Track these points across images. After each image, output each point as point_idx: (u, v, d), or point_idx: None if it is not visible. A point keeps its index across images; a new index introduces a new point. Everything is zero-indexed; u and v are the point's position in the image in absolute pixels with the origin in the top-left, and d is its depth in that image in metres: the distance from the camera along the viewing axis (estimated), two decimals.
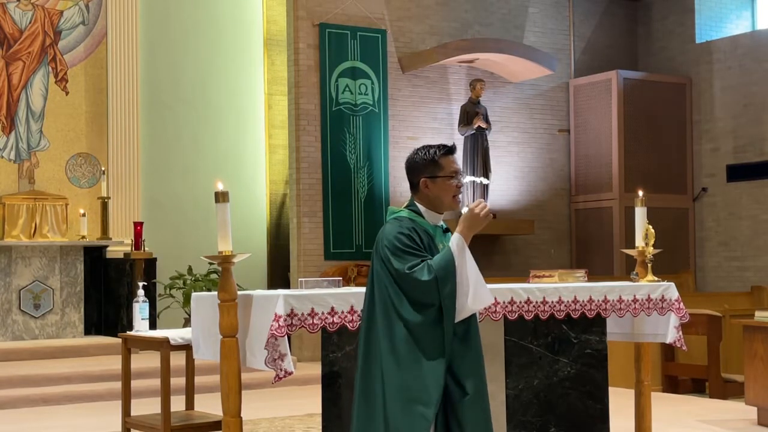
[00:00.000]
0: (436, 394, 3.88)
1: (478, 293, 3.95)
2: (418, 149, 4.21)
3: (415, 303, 3.93)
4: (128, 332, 6.12)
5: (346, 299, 4.87)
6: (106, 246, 12.10)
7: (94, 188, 12.36)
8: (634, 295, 5.91)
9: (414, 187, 4.17)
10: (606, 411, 5.84)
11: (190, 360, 5.96)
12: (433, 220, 4.17)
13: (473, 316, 4.04)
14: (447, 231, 4.22)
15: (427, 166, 4.14)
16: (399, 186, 12.88)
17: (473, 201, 12.79)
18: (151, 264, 11.76)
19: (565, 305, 5.63)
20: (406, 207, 4.18)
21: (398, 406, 3.89)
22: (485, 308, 5.33)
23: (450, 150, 4.19)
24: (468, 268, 3.97)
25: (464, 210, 14.11)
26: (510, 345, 5.55)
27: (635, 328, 6.19)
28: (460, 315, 3.95)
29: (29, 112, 12.14)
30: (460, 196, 4.21)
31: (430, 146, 4.19)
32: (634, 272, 6.21)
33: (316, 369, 7.32)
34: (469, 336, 4.01)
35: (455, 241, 3.98)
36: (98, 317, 12.11)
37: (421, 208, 4.16)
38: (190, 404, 6.11)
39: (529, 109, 14.08)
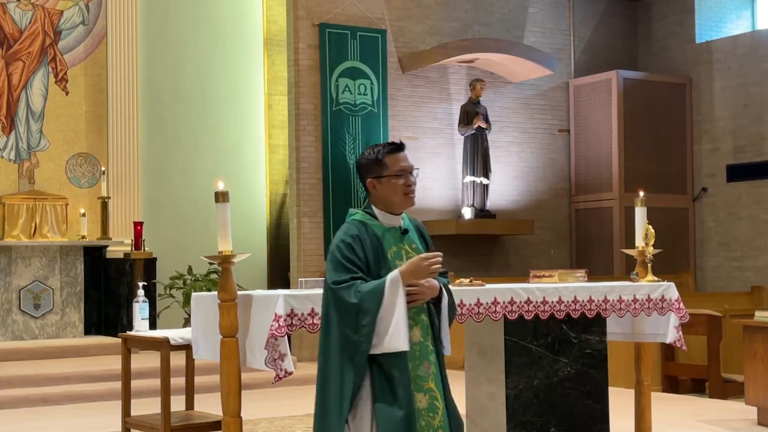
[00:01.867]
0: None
1: (395, 335, 3.81)
2: (366, 149, 4.10)
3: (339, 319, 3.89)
4: (128, 332, 6.12)
5: None
6: (106, 246, 12.10)
7: (94, 188, 12.35)
8: (634, 295, 5.90)
9: (365, 188, 4.07)
10: (606, 411, 5.84)
11: (190, 360, 5.95)
12: (389, 221, 4.05)
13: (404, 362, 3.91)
14: (406, 232, 4.07)
15: (372, 166, 4.03)
16: None
17: (472, 202, 12.92)
18: (151, 264, 11.75)
19: (565, 305, 5.63)
20: (363, 209, 4.09)
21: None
22: (485, 308, 5.34)
23: (396, 148, 4.05)
24: (396, 307, 3.82)
25: (465, 211, 13.91)
26: (510, 345, 5.55)
27: (635, 328, 6.19)
28: (373, 350, 3.84)
29: (29, 112, 12.14)
30: (413, 195, 4.06)
31: (377, 145, 4.07)
32: (634, 272, 6.21)
33: (315, 369, 7.31)
34: (393, 377, 3.88)
35: (391, 277, 3.84)
36: (98, 317, 12.11)
37: (375, 209, 4.05)
38: (190, 404, 6.11)
39: (529, 109, 14.08)
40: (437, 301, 4.04)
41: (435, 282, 4.00)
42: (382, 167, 4.02)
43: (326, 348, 3.93)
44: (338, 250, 3.92)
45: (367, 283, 3.87)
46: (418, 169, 4.17)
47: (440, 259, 3.92)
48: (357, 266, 3.90)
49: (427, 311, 4.03)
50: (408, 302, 3.93)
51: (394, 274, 3.85)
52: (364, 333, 3.82)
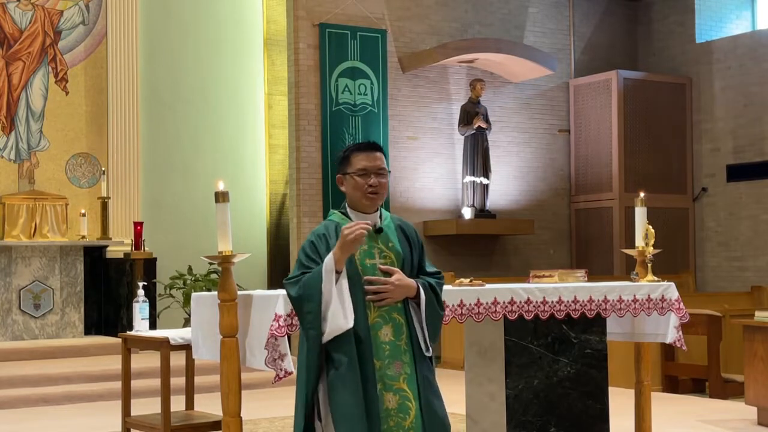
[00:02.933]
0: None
1: (335, 314, 3.81)
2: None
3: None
4: (128, 332, 6.11)
5: None
6: (106, 246, 12.10)
7: (94, 188, 12.35)
8: (634, 295, 5.90)
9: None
10: (606, 411, 5.84)
11: (190, 360, 5.95)
12: (362, 220, 4.03)
13: (364, 354, 3.89)
14: (380, 231, 4.05)
15: (341, 162, 4.08)
16: (399, 185, 12.88)
17: (472, 202, 12.92)
18: (151, 264, 11.75)
19: (565, 305, 5.63)
20: (340, 208, 4.12)
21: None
22: (485, 308, 5.33)
23: (365, 147, 4.05)
24: (333, 288, 3.81)
25: (465, 211, 13.95)
26: (510, 345, 5.55)
27: (635, 328, 6.18)
28: (326, 336, 3.85)
29: (29, 112, 12.14)
30: (374, 196, 4.03)
31: (353, 143, 4.16)
32: (634, 272, 6.20)
33: None
34: (347, 366, 3.87)
35: (326, 259, 3.86)
36: (98, 317, 12.11)
37: (348, 208, 4.08)
38: (190, 404, 6.11)
39: (529, 109, 14.08)
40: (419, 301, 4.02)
41: (409, 281, 3.98)
42: (347, 164, 4.06)
43: (300, 342, 4.02)
44: (302, 249, 4.00)
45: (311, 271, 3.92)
46: (389, 171, 4.14)
47: (363, 226, 3.86)
48: (316, 264, 3.93)
49: (403, 310, 4.00)
50: (376, 301, 3.94)
51: (328, 256, 3.87)
52: (309, 320, 3.88)
